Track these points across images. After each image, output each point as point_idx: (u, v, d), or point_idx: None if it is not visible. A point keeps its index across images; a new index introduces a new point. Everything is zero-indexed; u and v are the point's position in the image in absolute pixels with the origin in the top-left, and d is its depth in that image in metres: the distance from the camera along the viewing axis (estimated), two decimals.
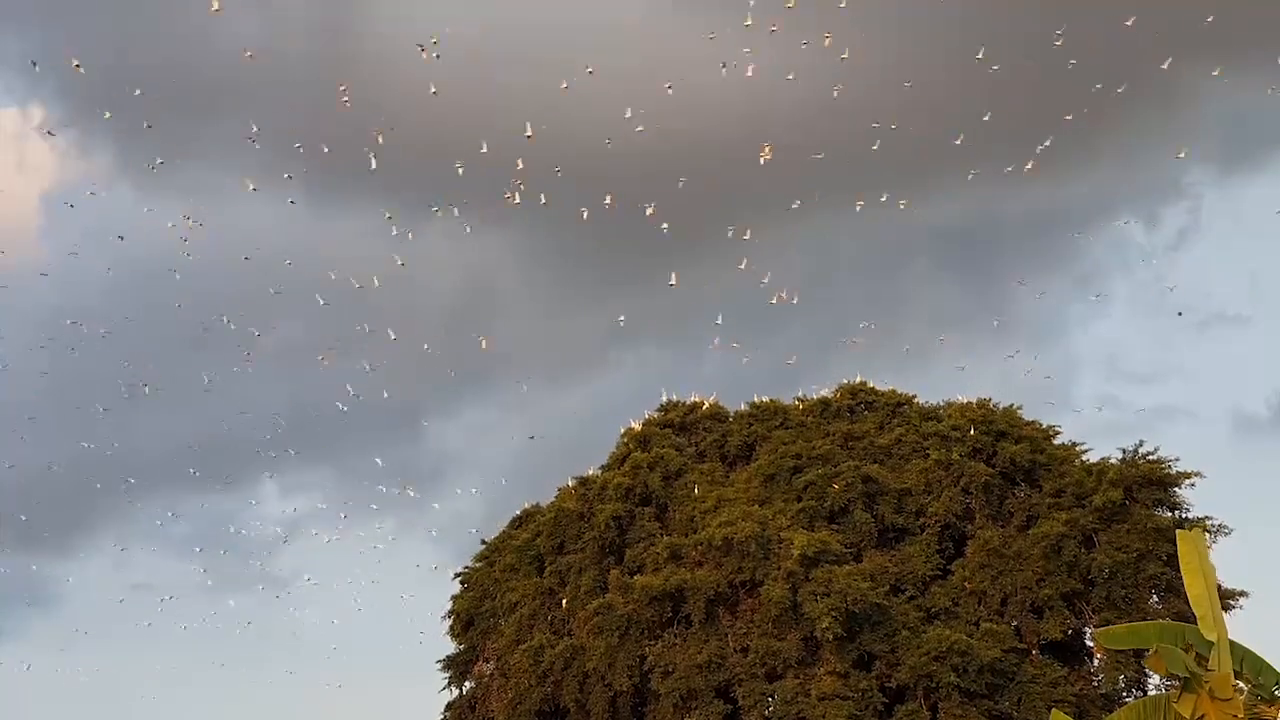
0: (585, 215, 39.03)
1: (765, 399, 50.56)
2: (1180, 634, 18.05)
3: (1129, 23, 36.81)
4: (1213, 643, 17.19)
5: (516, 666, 44.89)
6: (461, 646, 49.57)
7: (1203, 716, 16.79)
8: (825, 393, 50.73)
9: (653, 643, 43.16)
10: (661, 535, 45.71)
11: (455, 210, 39.86)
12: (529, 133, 36.14)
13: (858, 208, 41.86)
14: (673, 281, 41.22)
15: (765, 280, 41.99)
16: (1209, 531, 43.59)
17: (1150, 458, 44.99)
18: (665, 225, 39.03)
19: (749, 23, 36.18)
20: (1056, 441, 47.29)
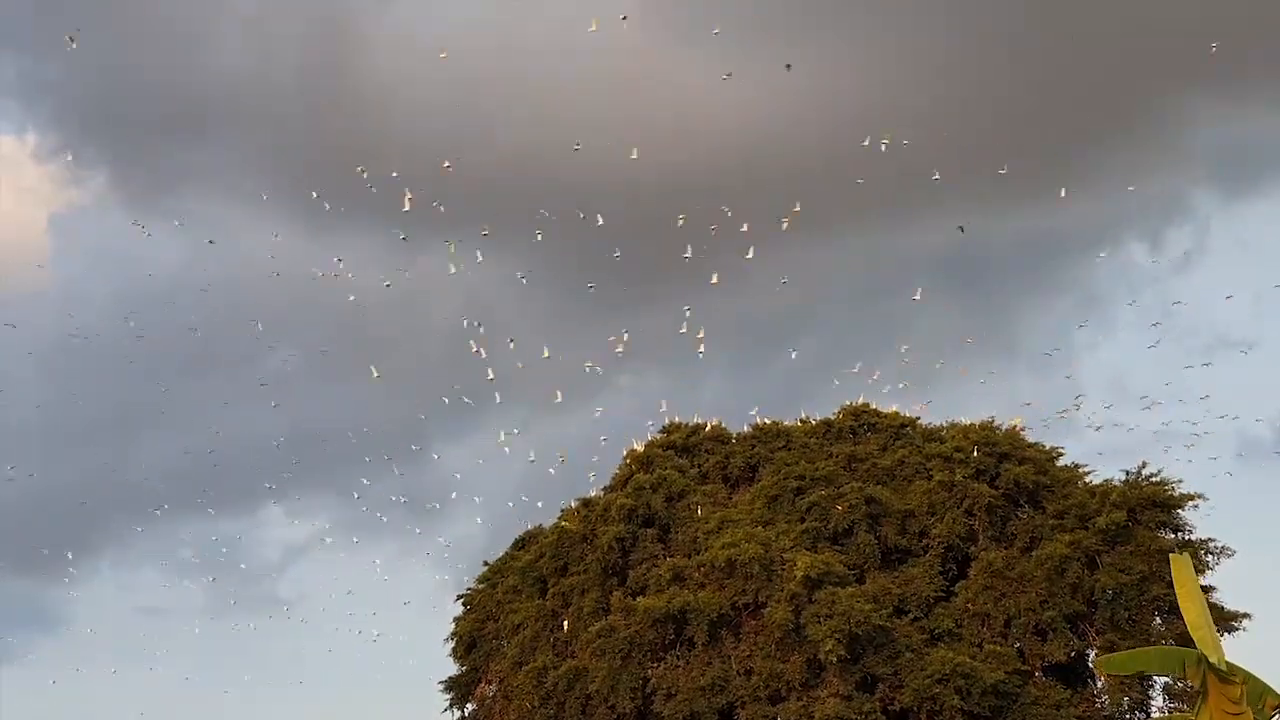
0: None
1: (767, 420, 50.65)
2: (1180, 659, 18.06)
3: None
4: (1214, 664, 17.21)
5: (519, 688, 44.82)
6: (464, 668, 49.48)
7: None
8: (829, 414, 50.83)
9: (655, 665, 43.09)
10: (664, 557, 45.69)
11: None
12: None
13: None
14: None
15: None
16: (1212, 554, 43.65)
17: (1153, 479, 45.03)
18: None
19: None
20: (1060, 463, 47.32)
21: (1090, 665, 44.22)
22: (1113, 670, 20.18)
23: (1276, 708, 18.73)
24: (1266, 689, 18.82)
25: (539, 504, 50.89)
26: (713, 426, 50.90)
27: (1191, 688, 17.43)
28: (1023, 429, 48.16)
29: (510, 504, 51.71)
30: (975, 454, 46.15)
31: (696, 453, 50.21)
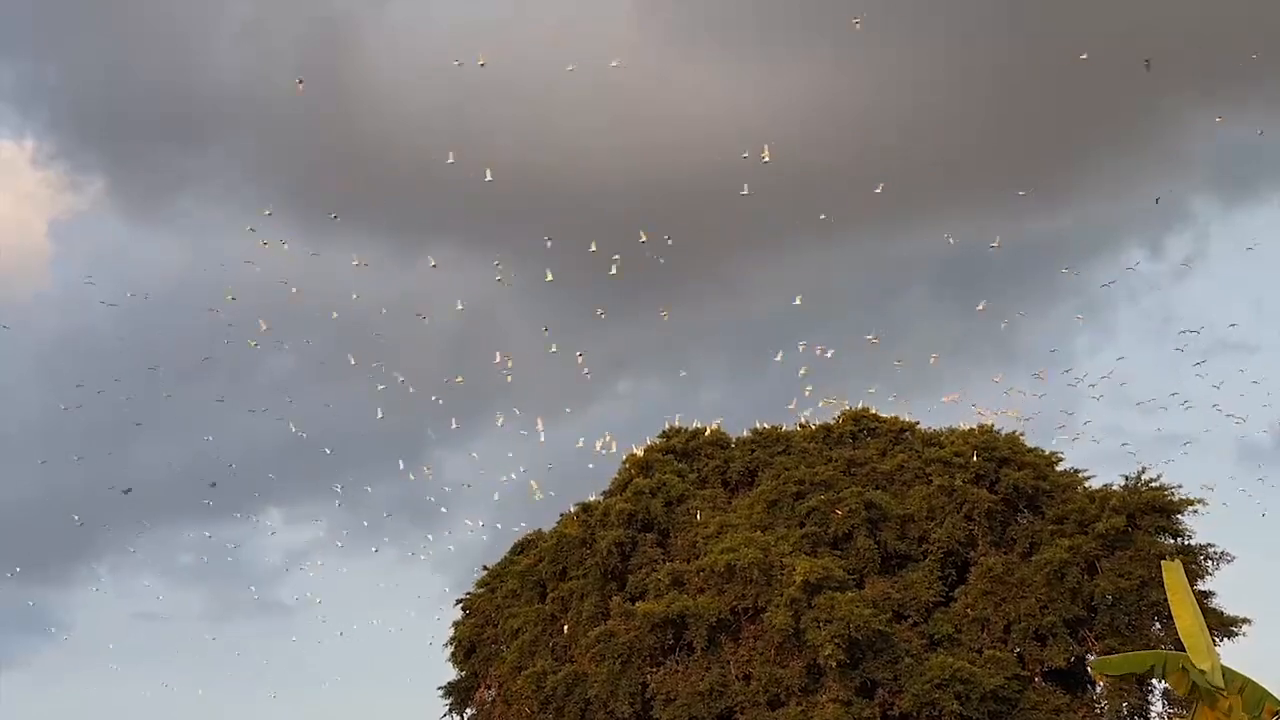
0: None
1: (767, 425, 50.61)
2: (1177, 663, 18.05)
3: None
4: (1204, 671, 17.20)
5: (518, 693, 44.79)
6: (463, 673, 49.44)
7: None
8: (828, 419, 50.81)
9: (655, 670, 43.05)
10: (663, 561, 45.63)
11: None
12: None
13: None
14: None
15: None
16: (1211, 559, 43.66)
17: (1153, 484, 45.04)
18: (661, 259, 39.68)
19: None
20: (1059, 468, 47.31)
21: (1090, 670, 44.21)
22: (1108, 672, 20.16)
23: (1275, 714, 18.71)
24: (1266, 695, 18.79)
25: (539, 508, 50.90)
26: (712, 431, 50.87)
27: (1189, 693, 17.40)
28: (1022, 434, 48.20)
29: (510, 506, 51.69)
30: (975, 459, 46.17)
31: (696, 457, 50.18)
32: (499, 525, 51.81)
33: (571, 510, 49.29)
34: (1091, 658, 43.44)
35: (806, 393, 49.59)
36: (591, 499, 49.40)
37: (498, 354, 45.27)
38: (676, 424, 51.50)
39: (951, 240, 44.80)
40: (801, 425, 50.66)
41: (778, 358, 47.44)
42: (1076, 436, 48.47)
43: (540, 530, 50.53)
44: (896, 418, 50.25)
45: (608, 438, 48.03)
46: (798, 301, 45.23)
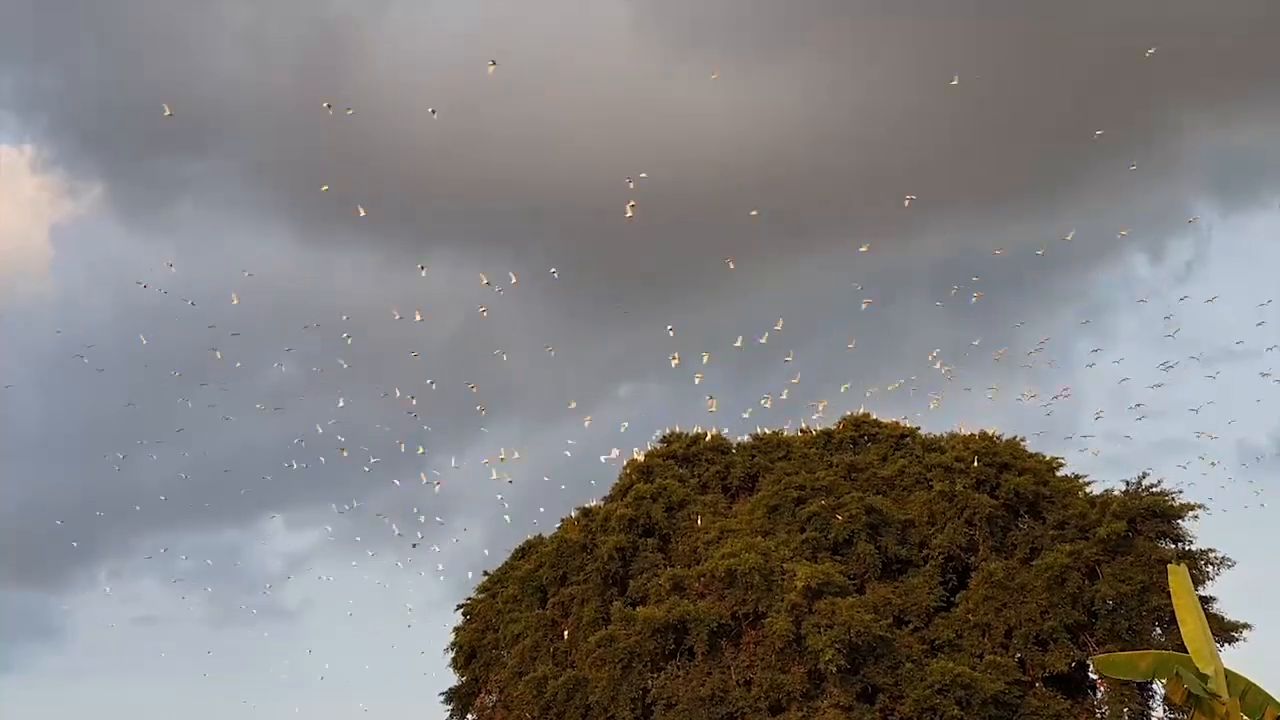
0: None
1: (767, 431, 50.63)
2: (1178, 665, 18.08)
3: None
4: (1208, 676, 17.23)
5: (519, 698, 44.76)
6: (464, 679, 49.42)
7: None
8: (828, 424, 50.82)
9: (655, 675, 43.01)
10: (664, 566, 45.62)
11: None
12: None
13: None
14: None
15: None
16: (1212, 564, 43.67)
17: (1153, 490, 45.06)
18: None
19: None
20: (1060, 473, 47.32)
21: (1091, 675, 44.22)
22: (1110, 672, 20.20)
23: (1277, 718, 18.73)
24: (1268, 699, 18.82)
25: (539, 513, 50.88)
26: (713, 436, 50.89)
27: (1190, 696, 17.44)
28: (1023, 439, 48.19)
29: (510, 513, 51.69)
30: (975, 464, 46.19)
31: (697, 462, 50.21)
32: (500, 528, 51.83)
33: (572, 515, 49.34)
34: (1092, 663, 43.47)
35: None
36: (592, 504, 49.47)
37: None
38: (677, 429, 51.57)
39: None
40: (802, 431, 50.72)
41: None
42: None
43: (541, 535, 50.58)
44: (897, 423, 50.32)
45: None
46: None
